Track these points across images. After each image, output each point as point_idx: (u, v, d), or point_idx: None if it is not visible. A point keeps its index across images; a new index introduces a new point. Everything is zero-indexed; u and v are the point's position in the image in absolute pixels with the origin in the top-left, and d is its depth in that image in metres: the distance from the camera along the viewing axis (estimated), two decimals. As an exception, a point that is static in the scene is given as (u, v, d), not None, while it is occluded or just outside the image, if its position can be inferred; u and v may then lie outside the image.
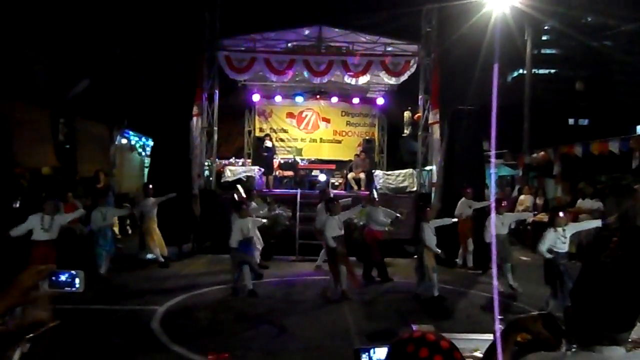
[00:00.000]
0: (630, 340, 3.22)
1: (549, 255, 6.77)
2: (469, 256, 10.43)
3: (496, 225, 8.75)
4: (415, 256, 8.29)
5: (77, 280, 1.71)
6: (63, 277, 1.70)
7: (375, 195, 9.69)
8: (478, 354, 2.93)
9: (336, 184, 15.10)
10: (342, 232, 8.12)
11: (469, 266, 10.41)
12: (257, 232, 9.30)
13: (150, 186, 10.76)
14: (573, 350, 1.62)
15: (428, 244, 7.84)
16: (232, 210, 8.96)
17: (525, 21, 18.09)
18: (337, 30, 13.56)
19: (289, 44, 13.65)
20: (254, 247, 8.76)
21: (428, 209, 8.34)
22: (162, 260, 10.26)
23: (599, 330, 1.53)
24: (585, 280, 1.61)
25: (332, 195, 10.37)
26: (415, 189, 13.14)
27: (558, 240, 6.81)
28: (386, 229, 9.58)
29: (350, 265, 8.16)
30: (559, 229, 6.85)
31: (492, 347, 2.00)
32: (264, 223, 9.50)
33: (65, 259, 7.98)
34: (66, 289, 1.70)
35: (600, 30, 36.08)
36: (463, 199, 10.49)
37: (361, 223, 9.99)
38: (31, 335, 3.90)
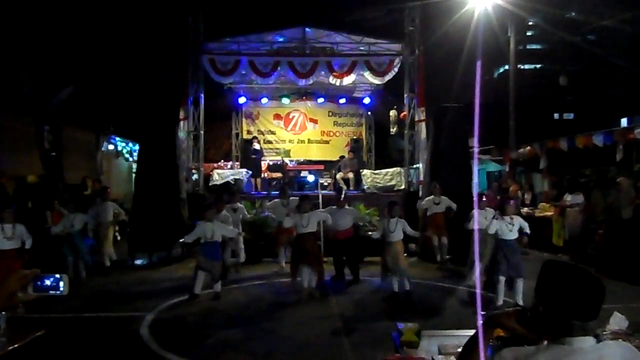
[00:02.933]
0: (609, 332, 3.29)
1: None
2: (444, 249, 10.41)
3: (479, 221, 8.85)
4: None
5: (61, 284, 1.72)
6: (48, 281, 1.71)
7: (342, 196, 9.49)
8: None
9: (325, 184, 15.14)
10: (311, 229, 8.06)
11: (443, 260, 10.43)
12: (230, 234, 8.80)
13: (109, 190, 10.76)
14: (545, 344, 1.66)
15: (395, 239, 7.89)
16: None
17: (509, 17, 18.26)
18: (321, 31, 13.62)
19: (274, 46, 13.66)
20: (218, 252, 8.20)
21: (396, 206, 8.29)
22: (109, 264, 10.05)
23: (568, 321, 1.61)
24: (550, 276, 1.69)
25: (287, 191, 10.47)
26: (403, 187, 13.19)
27: (505, 227, 7.19)
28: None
29: (319, 264, 8.09)
30: (506, 217, 7.25)
31: (468, 344, 2.04)
32: (238, 233, 9.30)
33: (45, 266, 7.93)
34: (51, 292, 1.71)
35: (584, 25, 36.48)
36: (432, 195, 10.48)
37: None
38: (15, 345, 3.87)
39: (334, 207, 9.16)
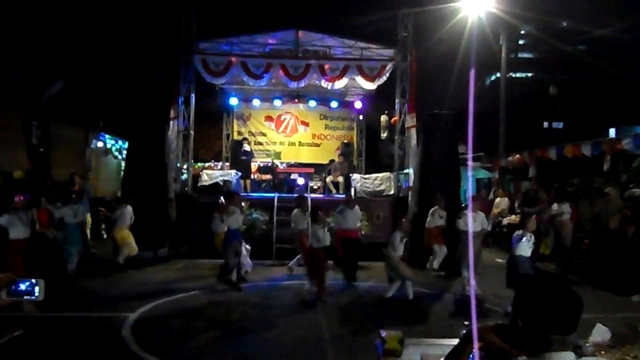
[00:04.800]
0: (592, 343, 3.29)
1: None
2: (439, 259, 10.48)
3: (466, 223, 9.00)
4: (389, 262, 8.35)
5: (37, 289, 1.70)
6: (23, 286, 1.69)
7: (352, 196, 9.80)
8: (444, 360, 2.95)
9: (315, 187, 15.11)
10: (328, 243, 8.27)
11: (434, 267, 10.50)
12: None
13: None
14: (523, 358, 1.65)
15: (398, 251, 8.12)
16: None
17: (501, 26, 18.37)
18: (314, 34, 13.59)
19: (266, 48, 13.62)
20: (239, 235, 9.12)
21: (403, 219, 8.51)
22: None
23: (547, 335, 1.60)
24: (528, 290, 1.69)
25: (308, 201, 10.46)
26: (392, 192, 13.20)
27: (527, 244, 7.01)
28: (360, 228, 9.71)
29: (325, 276, 8.28)
30: (529, 234, 7.06)
31: (449, 355, 2.03)
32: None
33: (34, 264, 7.87)
34: (25, 297, 1.69)
35: (575, 35, 36.78)
36: (436, 207, 10.47)
37: (332, 225, 9.94)
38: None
39: (343, 206, 9.52)
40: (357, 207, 10.02)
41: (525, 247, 6.99)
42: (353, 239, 9.65)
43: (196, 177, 13.65)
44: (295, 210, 10.03)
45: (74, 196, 10.01)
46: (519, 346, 1.72)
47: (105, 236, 13.75)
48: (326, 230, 8.32)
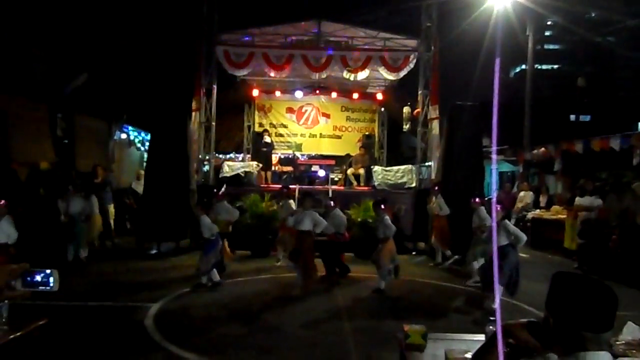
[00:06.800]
0: (623, 342, 3.18)
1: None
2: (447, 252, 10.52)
3: (481, 218, 8.86)
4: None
5: (51, 280, 1.68)
6: (38, 277, 1.67)
7: (331, 202, 9.41)
8: (469, 356, 2.88)
9: (335, 179, 15.04)
10: (304, 227, 7.99)
11: (447, 260, 10.51)
12: None
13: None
14: (556, 358, 1.58)
15: (387, 236, 8.03)
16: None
17: (528, 16, 17.98)
18: (336, 24, 13.48)
19: (288, 39, 13.56)
20: None
21: (384, 205, 8.35)
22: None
23: (581, 333, 1.54)
24: (560, 287, 1.63)
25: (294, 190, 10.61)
26: (414, 185, 13.06)
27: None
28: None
29: (312, 265, 8.08)
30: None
31: (479, 352, 1.96)
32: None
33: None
34: (40, 288, 1.66)
35: (603, 26, 35.84)
36: (439, 195, 10.49)
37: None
38: (19, 334, 3.85)
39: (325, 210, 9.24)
40: (337, 210, 9.29)
41: None
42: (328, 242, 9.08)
43: (218, 169, 13.70)
44: (283, 202, 10.12)
45: (71, 189, 10.10)
46: (552, 344, 1.65)
47: (128, 226, 13.92)
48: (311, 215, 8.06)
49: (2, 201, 7.18)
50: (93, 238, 10.86)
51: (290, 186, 11.41)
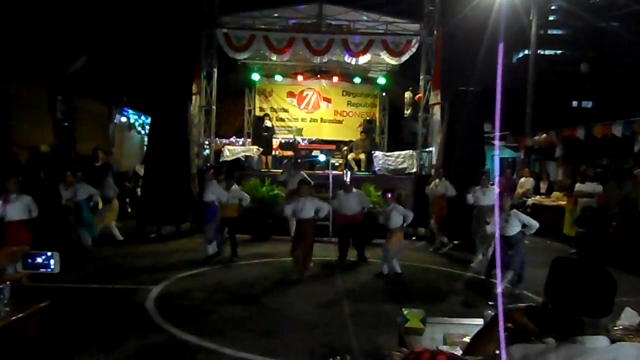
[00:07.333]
0: (620, 327, 3.20)
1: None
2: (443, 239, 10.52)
3: (479, 197, 8.94)
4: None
5: (52, 262, 1.67)
6: (39, 259, 1.67)
7: (348, 181, 9.54)
8: (467, 340, 2.90)
9: (336, 164, 15.02)
10: (306, 215, 8.01)
11: (445, 243, 10.52)
12: None
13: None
14: (554, 343, 1.59)
15: (394, 226, 8.04)
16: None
17: (531, 0, 17.79)
18: (337, 8, 13.36)
19: (289, 22, 13.44)
20: None
21: (390, 194, 8.32)
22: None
23: (579, 318, 1.55)
24: (560, 272, 1.63)
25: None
26: (414, 170, 13.05)
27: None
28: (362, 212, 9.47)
29: (311, 253, 8.16)
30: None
31: (477, 335, 1.98)
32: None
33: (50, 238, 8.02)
34: (41, 270, 1.66)
35: (607, 11, 35.47)
36: (444, 178, 10.46)
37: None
38: (20, 315, 3.87)
39: (341, 191, 9.19)
40: (355, 190, 9.45)
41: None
42: (352, 225, 9.18)
43: (218, 153, 13.68)
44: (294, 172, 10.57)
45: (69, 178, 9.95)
46: (550, 329, 1.66)
47: (129, 210, 13.96)
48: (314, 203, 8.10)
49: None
50: (109, 222, 10.58)
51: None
